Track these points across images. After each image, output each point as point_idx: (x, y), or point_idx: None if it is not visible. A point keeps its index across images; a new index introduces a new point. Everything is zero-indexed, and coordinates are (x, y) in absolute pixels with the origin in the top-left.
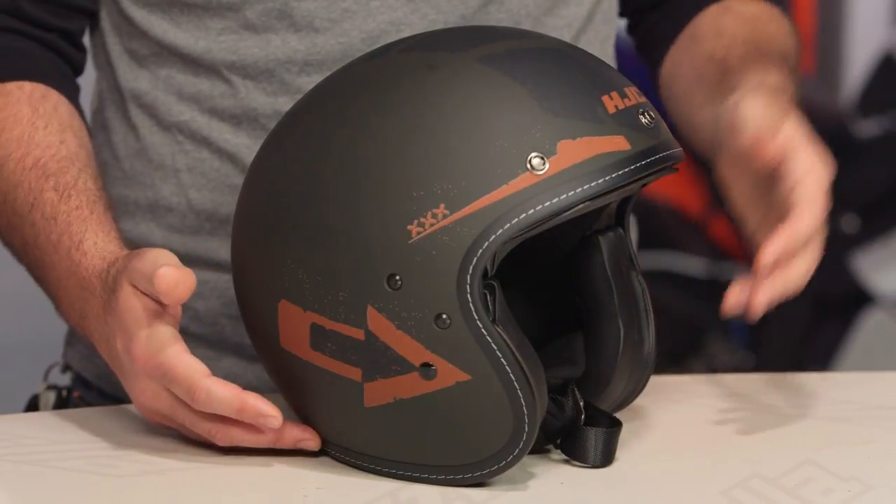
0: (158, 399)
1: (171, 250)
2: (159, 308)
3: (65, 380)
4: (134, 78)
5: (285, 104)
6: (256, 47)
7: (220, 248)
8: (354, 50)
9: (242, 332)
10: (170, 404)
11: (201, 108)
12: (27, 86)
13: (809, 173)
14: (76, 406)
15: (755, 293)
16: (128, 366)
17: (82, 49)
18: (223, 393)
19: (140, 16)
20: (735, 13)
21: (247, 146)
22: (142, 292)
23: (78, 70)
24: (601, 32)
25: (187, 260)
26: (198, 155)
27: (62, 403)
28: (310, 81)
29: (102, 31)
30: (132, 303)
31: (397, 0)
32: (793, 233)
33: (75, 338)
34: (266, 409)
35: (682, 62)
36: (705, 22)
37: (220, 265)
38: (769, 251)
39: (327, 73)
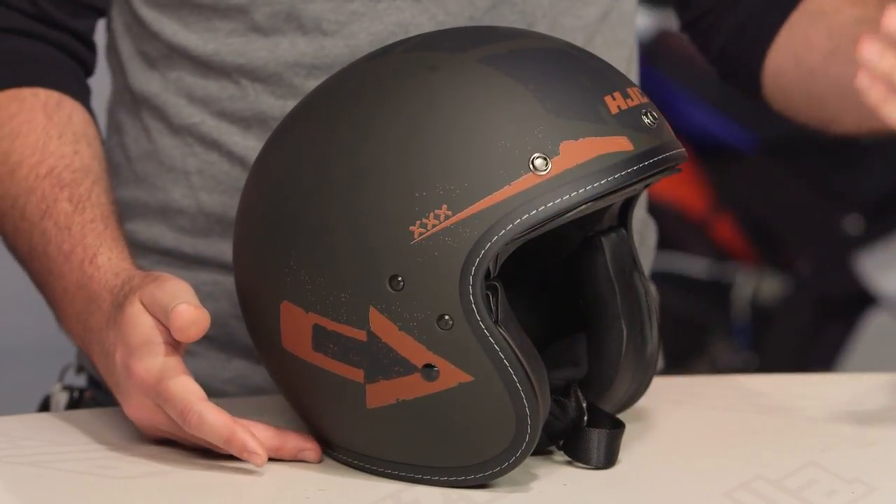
0: (155, 415)
1: (182, 252)
2: (167, 330)
3: (80, 381)
4: (145, 80)
5: None
6: (265, 50)
7: (231, 250)
8: (362, 52)
9: None
10: (167, 420)
11: (211, 110)
12: (42, 93)
13: None
14: (87, 406)
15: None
16: (123, 381)
17: (93, 49)
18: (214, 420)
19: (151, 17)
20: None
21: (255, 149)
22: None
23: (89, 71)
24: (619, 34)
25: (197, 262)
26: (208, 158)
27: (74, 404)
28: (317, 83)
29: (115, 32)
30: (140, 319)
31: (405, 1)
32: None
33: None
34: (252, 446)
35: (809, 38)
36: (817, 2)
37: (230, 267)
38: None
39: None
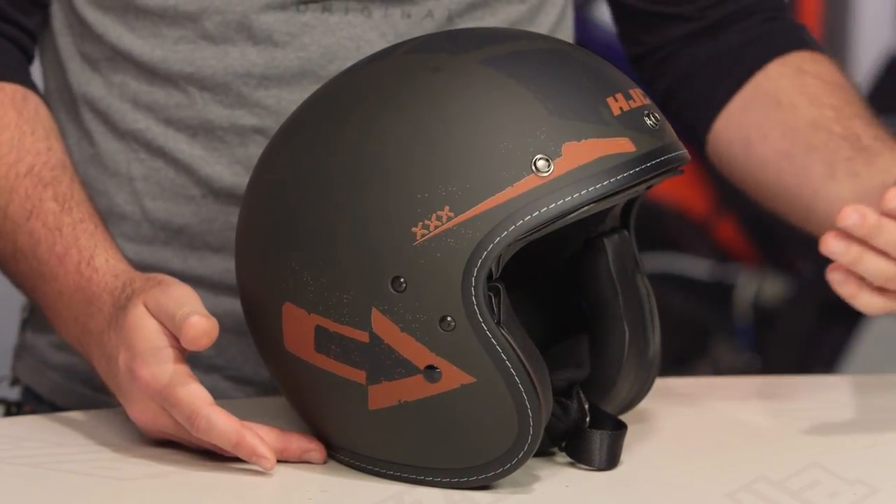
0: (160, 418)
1: (126, 260)
2: (172, 334)
3: (13, 394)
4: (87, 82)
5: (242, 117)
6: (214, 59)
7: (174, 258)
8: (313, 64)
9: None
10: (173, 423)
11: (157, 117)
12: (7, 87)
13: None
14: None
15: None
16: (127, 384)
17: (36, 43)
18: (223, 425)
19: (94, 17)
20: (815, 76)
21: (202, 157)
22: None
23: (30, 63)
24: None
25: (140, 269)
26: (153, 164)
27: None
28: (267, 95)
29: (52, 28)
30: (143, 322)
31: (356, 17)
32: None
33: (25, 351)
34: (261, 450)
35: (764, 129)
36: (784, 85)
37: (174, 275)
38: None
39: (286, 88)
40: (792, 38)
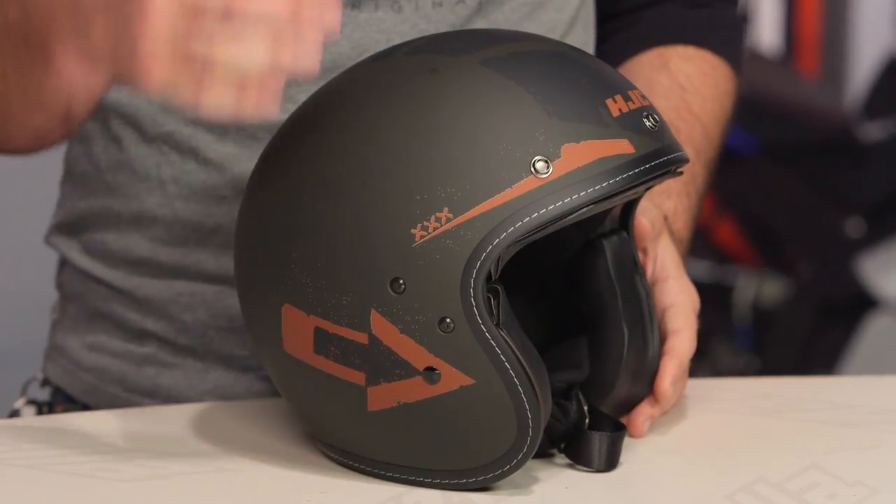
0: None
1: (157, 262)
2: None
3: (44, 395)
4: (115, 88)
5: (273, 113)
6: None
7: (208, 260)
8: (344, 58)
9: (231, 344)
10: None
11: (185, 118)
12: None
13: (678, 298)
14: None
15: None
16: None
17: None
18: None
19: None
20: (670, 74)
21: (233, 155)
22: None
23: None
24: (580, 38)
25: (173, 272)
26: (184, 166)
27: None
28: (299, 90)
29: None
30: None
31: (386, 12)
32: (678, 360)
33: (56, 352)
34: None
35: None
36: (642, 73)
37: (208, 276)
38: (666, 383)
39: (316, 82)
40: (689, 31)
